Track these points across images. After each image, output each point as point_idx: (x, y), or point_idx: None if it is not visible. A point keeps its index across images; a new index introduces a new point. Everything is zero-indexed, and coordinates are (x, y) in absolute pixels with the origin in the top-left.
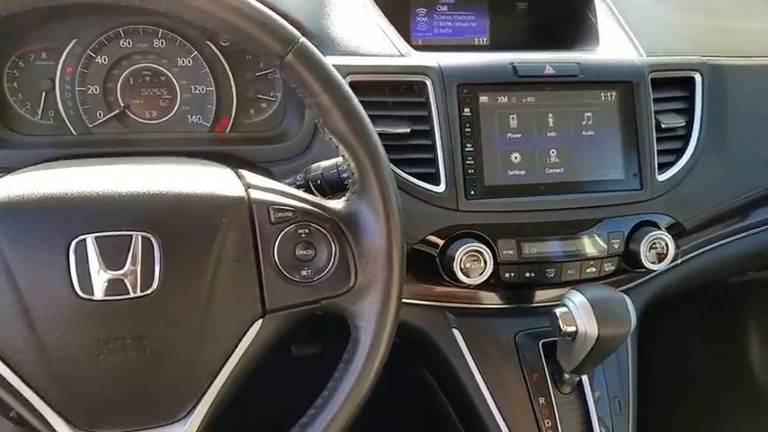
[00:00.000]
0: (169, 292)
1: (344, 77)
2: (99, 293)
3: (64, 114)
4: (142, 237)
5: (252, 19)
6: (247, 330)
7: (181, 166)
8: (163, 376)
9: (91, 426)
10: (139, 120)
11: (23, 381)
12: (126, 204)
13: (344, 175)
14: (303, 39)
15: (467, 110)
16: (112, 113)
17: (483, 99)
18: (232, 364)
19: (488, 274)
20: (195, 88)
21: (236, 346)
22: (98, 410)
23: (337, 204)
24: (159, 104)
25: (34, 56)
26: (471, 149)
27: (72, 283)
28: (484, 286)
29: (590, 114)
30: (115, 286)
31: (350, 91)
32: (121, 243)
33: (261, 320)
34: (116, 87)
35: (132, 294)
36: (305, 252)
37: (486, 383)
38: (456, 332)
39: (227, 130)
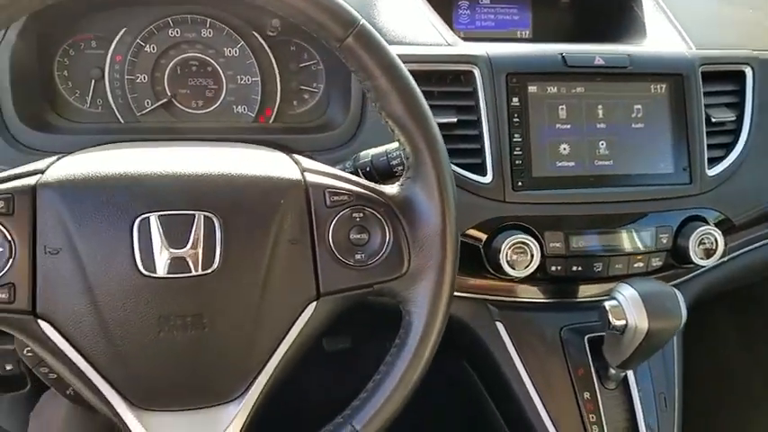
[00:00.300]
0: (229, 271)
1: None
2: (161, 271)
3: (112, 102)
4: (204, 216)
5: (313, 1)
6: (302, 312)
7: (239, 149)
8: (220, 355)
9: (148, 404)
10: (186, 109)
11: (84, 357)
12: (189, 184)
13: (394, 162)
14: (363, 21)
15: (515, 99)
16: (160, 102)
17: (532, 89)
18: (286, 346)
19: (535, 267)
20: (241, 79)
21: (291, 328)
22: (156, 389)
23: (392, 189)
24: (205, 94)
25: (84, 44)
26: (519, 140)
27: (135, 260)
28: (528, 280)
29: (639, 107)
30: (177, 264)
31: (409, 75)
32: (184, 222)
33: (315, 303)
34: (163, 77)
35: (194, 272)
36: (359, 236)
37: (530, 377)
38: (499, 325)
39: (271, 121)
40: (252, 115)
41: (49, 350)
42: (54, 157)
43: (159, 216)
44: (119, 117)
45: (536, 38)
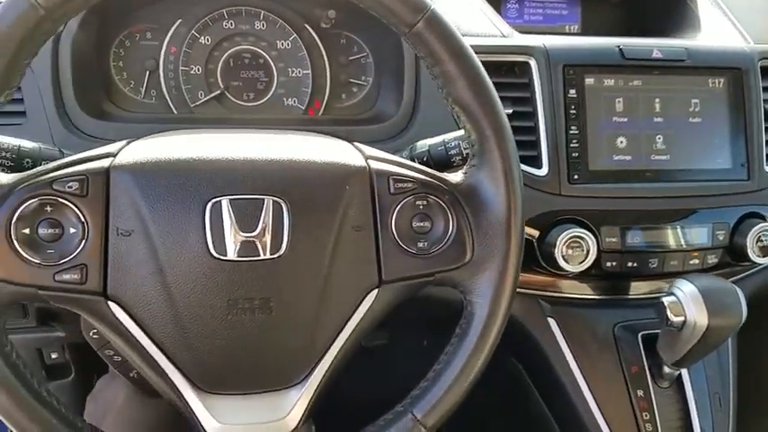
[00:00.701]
0: (296, 256)
1: None
2: (232, 254)
3: (166, 93)
4: (273, 201)
5: None
6: (363, 299)
7: (304, 136)
8: (284, 340)
9: (212, 388)
10: (237, 101)
11: (152, 340)
12: (259, 170)
13: (452, 152)
14: (434, 6)
15: (572, 91)
16: (213, 94)
17: (589, 81)
18: (347, 333)
19: (590, 263)
20: (292, 71)
21: (353, 315)
22: (221, 373)
23: (456, 177)
24: (257, 87)
25: (140, 36)
26: (576, 132)
27: (207, 243)
28: (582, 275)
29: (697, 101)
30: (247, 248)
31: (478, 61)
32: (254, 206)
33: (377, 290)
34: (216, 68)
35: (263, 256)
36: (422, 224)
37: (582, 374)
38: (551, 321)
39: (320, 113)
40: (302, 108)
41: (117, 332)
42: (123, 142)
43: (231, 199)
44: (172, 108)
45: (584, 33)
